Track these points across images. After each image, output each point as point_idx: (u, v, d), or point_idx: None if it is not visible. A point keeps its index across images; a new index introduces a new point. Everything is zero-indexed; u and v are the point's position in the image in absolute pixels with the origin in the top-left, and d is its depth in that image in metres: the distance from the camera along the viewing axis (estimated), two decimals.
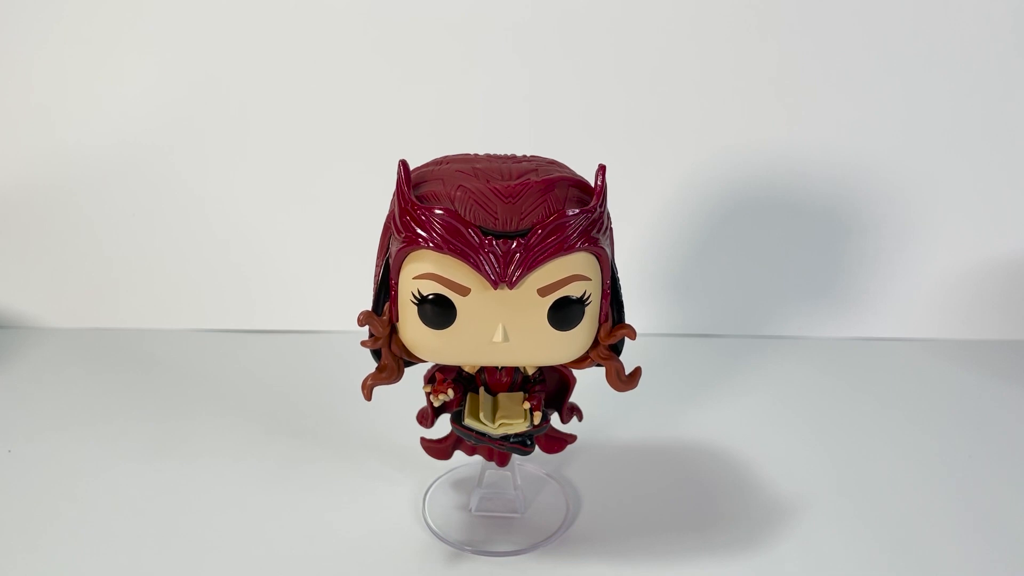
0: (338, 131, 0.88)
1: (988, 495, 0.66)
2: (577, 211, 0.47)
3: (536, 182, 0.47)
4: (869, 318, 0.93)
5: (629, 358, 0.54)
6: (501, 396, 0.57)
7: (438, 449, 0.62)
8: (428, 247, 0.47)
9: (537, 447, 0.60)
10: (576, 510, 0.63)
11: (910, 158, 0.88)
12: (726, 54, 0.85)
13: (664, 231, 0.91)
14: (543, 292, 0.48)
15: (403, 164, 0.48)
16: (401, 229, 0.48)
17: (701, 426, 0.74)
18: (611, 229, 0.51)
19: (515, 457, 0.61)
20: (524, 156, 0.53)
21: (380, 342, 0.52)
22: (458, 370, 0.57)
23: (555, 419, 0.61)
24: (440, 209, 0.47)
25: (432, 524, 0.61)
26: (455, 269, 0.47)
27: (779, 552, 0.59)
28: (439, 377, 0.56)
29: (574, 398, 0.60)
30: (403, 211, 0.48)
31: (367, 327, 0.52)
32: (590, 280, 0.49)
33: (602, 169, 0.48)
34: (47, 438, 0.72)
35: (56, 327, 0.93)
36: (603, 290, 0.50)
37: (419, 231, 0.47)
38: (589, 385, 0.60)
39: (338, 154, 0.89)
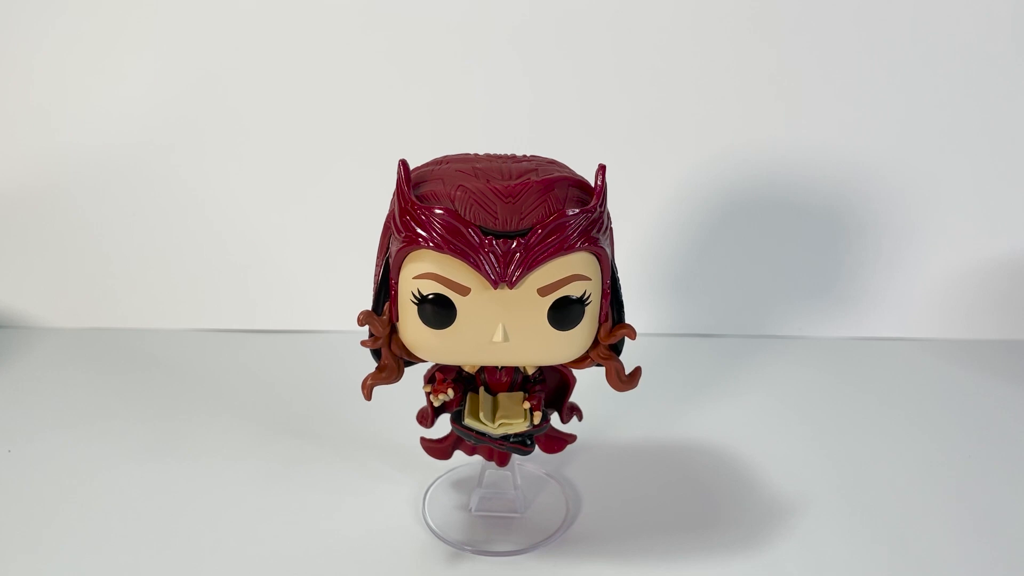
0: (338, 131, 0.88)
1: (988, 495, 0.66)
2: (577, 211, 0.47)
3: (536, 182, 0.47)
4: (869, 318, 0.93)
5: (629, 358, 0.54)
6: (501, 396, 0.57)
7: (438, 449, 0.62)
8: (428, 247, 0.47)
9: (537, 447, 0.60)
10: (576, 510, 0.63)
11: (910, 158, 0.88)
12: (726, 54, 0.85)
13: (664, 231, 0.91)
14: (543, 292, 0.48)
15: (403, 164, 0.48)
16: (401, 229, 0.48)
17: (701, 426, 0.74)
18: (611, 229, 0.51)
19: (515, 457, 0.61)
20: (524, 156, 0.53)
21: (380, 342, 0.52)
22: (458, 370, 0.57)
23: (555, 419, 0.61)
24: (440, 209, 0.47)
25: (432, 524, 0.61)
26: (455, 269, 0.47)
27: (779, 552, 0.59)
28: (439, 377, 0.56)
29: (574, 398, 0.60)
30: (403, 211, 0.48)
31: (367, 327, 0.52)
32: (590, 280, 0.49)
33: (602, 169, 0.48)
34: (47, 438, 0.72)
35: (56, 327, 0.93)
36: (603, 290, 0.50)
37: (419, 231, 0.47)
38: (589, 385, 0.60)
39: (338, 154, 0.89)
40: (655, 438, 0.73)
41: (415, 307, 0.49)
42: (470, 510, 0.62)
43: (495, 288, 0.47)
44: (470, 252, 0.46)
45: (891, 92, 0.86)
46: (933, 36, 0.85)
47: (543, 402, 0.56)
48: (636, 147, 0.88)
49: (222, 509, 0.63)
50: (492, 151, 0.54)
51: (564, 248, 0.47)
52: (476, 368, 0.56)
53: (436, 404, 0.57)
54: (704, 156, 0.88)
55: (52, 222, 0.91)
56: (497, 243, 0.46)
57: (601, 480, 0.66)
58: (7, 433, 0.72)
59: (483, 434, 0.57)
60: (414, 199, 0.47)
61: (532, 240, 0.46)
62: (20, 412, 0.76)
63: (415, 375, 0.57)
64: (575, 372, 0.58)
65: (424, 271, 0.48)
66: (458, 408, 0.57)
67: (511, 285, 0.47)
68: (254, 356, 0.87)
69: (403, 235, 0.48)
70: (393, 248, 0.49)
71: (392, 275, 0.49)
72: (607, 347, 0.53)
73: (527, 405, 0.56)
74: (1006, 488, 0.66)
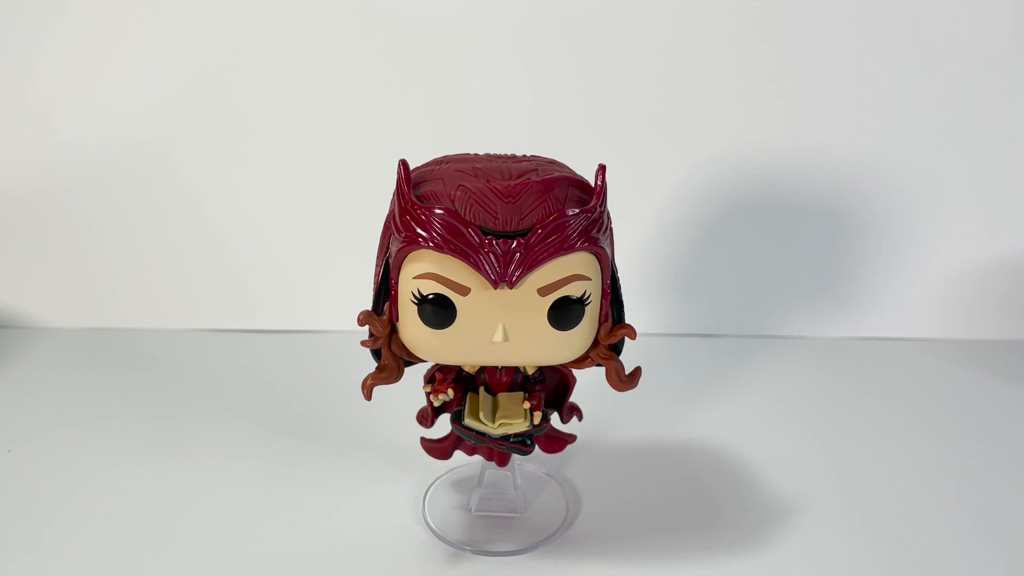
0: (338, 131, 0.88)
1: (988, 495, 0.66)
2: (577, 211, 0.47)
3: (536, 182, 0.47)
4: (869, 318, 0.93)
5: (629, 358, 0.54)
6: (501, 396, 0.57)
7: (438, 449, 0.62)
8: (428, 247, 0.47)
9: (537, 447, 0.60)
10: (576, 510, 0.63)
11: (910, 158, 0.88)
12: (726, 54, 0.85)
13: (664, 231, 0.91)
14: (543, 292, 0.48)
15: (403, 164, 0.48)
16: (401, 229, 0.48)
17: (701, 426, 0.74)
18: (611, 229, 0.51)
19: (515, 457, 0.61)
20: (524, 156, 0.53)
21: (380, 342, 0.52)
22: (458, 370, 0.57)
23: (555, 419, 0.61)
24: (440, 209, 0.47)
25: (432, 524, 0.61)
26: (455, 269, 0.47)
27: (779, 552, 0.59)
28: (439, 377, 0.56)
29: (574, 398, 0.60)
30: (403, 211, 0.48)
31: (367, 327, 0.52)
32: (590, 280, 0.49)
33: (602, 169, 0.48)
34: (47, 438, 0.72)
35: (56, 327, 0.93)
36: (603, 290, 0.50)
37: (419, 231, 0.47)
38: (589, 385, 0.60)
39: (338, 154, 0.89)
40: (655, 438, 0.73)
41: (415, 307, 0.49)
42: (470, 510, 0.62)
43: (495, 288, 0.47)
44: (470, 252, 0.46)
45: (891, 92, 0.86)
46: (933, 36, 0.85)
47: (543, 402, 0.56)
48: (636, 147, 0.88)
49: (222, 509, 0.63)
50: (492, 151, 0.54)
51: (564, 248, 0.47)
52: (476, 368, 0.56)
53: (436, 404, 0.57)
54: (704, 156, 0.88)
55: (52, 222, 0.91)
56: (497, 243, 0.46)
57: (601, 480, 0.66)
58: (7, 433, 0.72)
59: (483, 434, 0.57)
60: (414, 199, 0.47)
61: (532, 240, 0.46)
62: (20, 412, 0.76)
63: (415, 375, 0.57)
64: (575, 372, 0.58)
65: (424, 271, 0.48)
66: (458, 408, 0.57)
67: (511, 285, 0.47)
68: (254, 356, 0.87)
69: (403, 235, 0.48)
70: (393, 248, 0.49)
71: (392, 275, 0.49)
72: (607, 347, 0.53)
73: (527, 405, 0.56)
74: (1006, 488, 0.66)
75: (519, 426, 0.56)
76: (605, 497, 0.65)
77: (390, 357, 0.52)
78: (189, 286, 0.93)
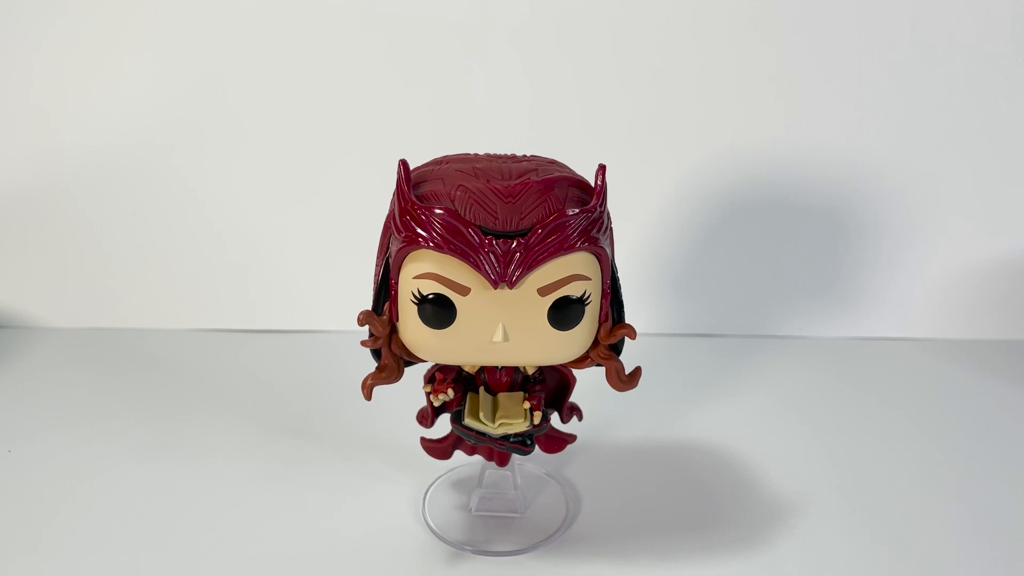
0: (338, 131, 0.88)
1: (988, 495, 0.66)
2: (577, 211, 0.47)
3: (536, 182, 0.47)
4: (869, 318, 0.93)
5: (629, 358, 0.54)
6: (501, 396, 0.57)
7: (438, 449, 0.62)
8: (428, 247, 0.47)
9: (537, 447, 0.60)
10: (576, 510, 0.63)
11: (910, 158, 0.88)
12: (726, 54, 0.85)
13: (664, 231, 0.91)
14: (543, 292, 0.48)
15: (403, 164, 0.48)
16: (401, 229, 0.48)
17: (701, 426, 0.74)
18: (611, 229, 0.51)
19: (515, 457, 0.61)
20: (524, 156, 0.53)
21: (380, 342, 0.52)
22: (458, 370, 0.57)
23: (555, 419, 0.61)
24: (440, 209, 0.47)
25: (432, 524, 0.61)
26: (455, 269, 0.47)
27: (779, 552, 0.59)
28: (439, 377, 0.56)
29: (574, 398, 0.60)
30: (403, 211, 0.48)
31: (367, 327, 0.52)
32: (590, 280, 0.49)
33: (602, 169, 0.48)
34: (47, 438, 0.72)
35: (56, 327, 0.93)
36: (603, 290, 0.50)
37: (419, 231, 0.47)
38: (589, 385, 0.60)
39: (338, 154, 0.89)
40: (655, 438, 0.73)
41: (415, 307, 0.49)
42: (470, 510, 0.62)
43: (495, 288, 0.47)
44: (470, 252, 0.46)
45: (891, 92, 0.86)
46: (933, 36, 0.85)
47: (543, 402, 0.56)
48: (636, 147, 0.88)
49: (222, 509, 0.63)
50: (492, 151, 0.54)
51: (564, 248, 0.47)
52: (476, 368, 0.56)
53: (436, 404, 0.57)
54: (704, 156, 0.88)
55: (52, 222, 0.91)
56: (497, 243, 0.46)
57: (601, 480, 0.66)
58: (7, 433, 0.72)
59: (483, 434, 0.57)
60: (414, 199, 0.47)
61: (532, 240, 0.46)
62: (20, 412, 0.76)
63: (415, 375, 0.57)
64: (575, 372, 0.58)
65: (424, 271, 0.48)
66: (458, 408, 0.57)
67: (511, 285, 0.47)
68: (254, 356, 0.87)
69: (403, 235, 0.48)
70: (393, 248, 0.49)
71: (392, 275, 0.49)
72: (607, 347, 0.53)
73: (527, 405, 0.56)
74: (1006, 488, 0.66)
75: (519, 426, 0.56)
76: (605, 497, 0.65)
77: (390, 357, 0.52)
78: (189, 286, 0.93)
